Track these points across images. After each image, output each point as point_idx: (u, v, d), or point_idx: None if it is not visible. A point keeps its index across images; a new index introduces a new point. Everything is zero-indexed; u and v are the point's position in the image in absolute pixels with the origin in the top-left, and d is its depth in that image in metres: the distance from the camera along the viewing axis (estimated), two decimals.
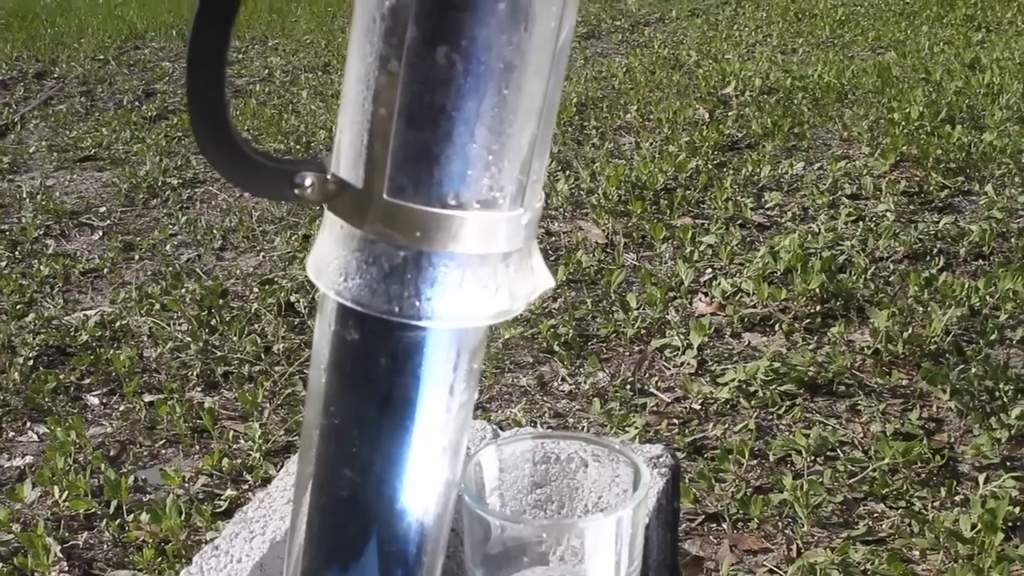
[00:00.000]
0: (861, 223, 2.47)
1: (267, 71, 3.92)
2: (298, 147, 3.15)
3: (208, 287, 2.31)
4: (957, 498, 1.54)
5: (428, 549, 0.75)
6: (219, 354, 2.05)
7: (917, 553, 1.44)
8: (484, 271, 0.65)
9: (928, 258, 2.29)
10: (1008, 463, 1.61)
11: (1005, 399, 1.77)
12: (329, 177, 0.63)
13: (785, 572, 1.42)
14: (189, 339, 2.11)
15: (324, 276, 0.66)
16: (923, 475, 1.61)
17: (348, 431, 0.72)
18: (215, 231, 2.63)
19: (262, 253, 2.51)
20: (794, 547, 1.48)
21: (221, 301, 2.26)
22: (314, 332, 0.70)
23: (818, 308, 2.09)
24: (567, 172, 2.89)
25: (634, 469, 0.74)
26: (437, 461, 0.73)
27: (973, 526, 1.45)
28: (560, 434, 0.80)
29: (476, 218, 0.63)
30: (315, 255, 0.67)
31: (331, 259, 0.65)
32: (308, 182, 0.62)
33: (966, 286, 2.10)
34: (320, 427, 0.72)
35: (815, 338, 2.00)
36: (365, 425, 0.71)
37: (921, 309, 2.03)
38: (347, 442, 0.72)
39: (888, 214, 2.51)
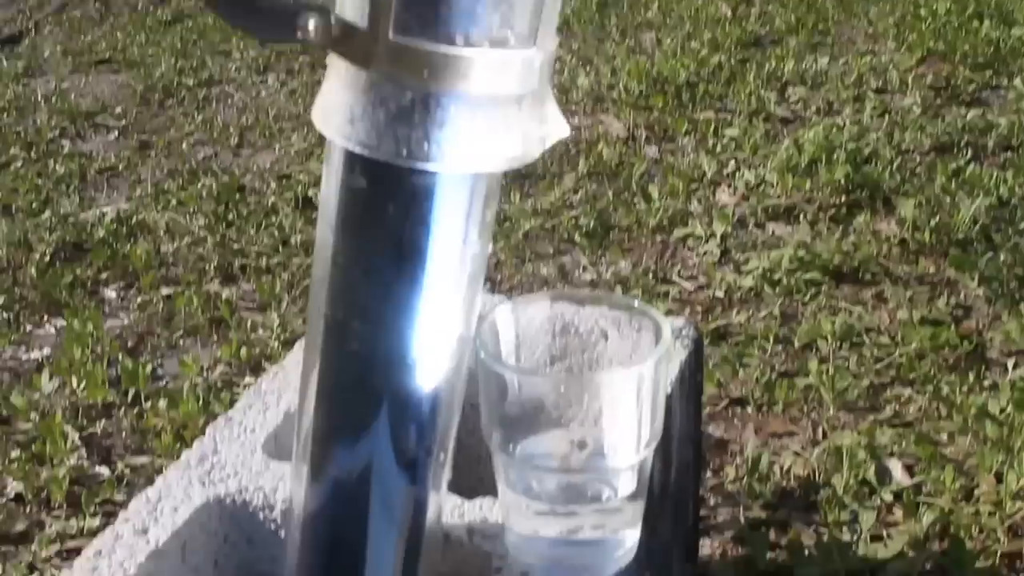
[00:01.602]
0: (887, 116, 2.42)
1: None
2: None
3: (225, 183, 2.28)
4: (985, 383, 1.52)
5: (442, 408, 0.72)
6: (236, 247, 2.03)
7: (945, 436, 1.42)
8: (495, 113, 0.62)
9: (955, 150, 2.24)
10: None
11: None
12: (333, 19, 0.60)
13: (810, 454, 1.40)
14: (206, 233, 2.09)
15: (330, 122, 0.63)
16: (951, 361, 1.58)
17: (357, 282, 0.69)
18: (231, 129, 2.60)
19: (279, 149, 2.48)
20: (820, 430, 1.46)
21: (238, 196, 2.23)
22: (321, 185, 0.68)
23: (843, 199, 2.05)
24: (587, 68, 2.83)
25: (655, 328, 0.71)
26: (450, 313, 0.70)
27: (1002, 409, 1.43)
28: (579, 295, 0.77)
29: (486, 57, 0.59)
30: (321, 102, 0.64)
31: (337, 104, 0.62)
32: (311, 24, 0.59)
33: (995, 176, 2.06)
34: (329, 280, 0.69)
35: (840, 228, 1.96)
36: (375, 275, 0.68)
37: (949, 199, 1.99)
38: (356, 294, 0.69)
39: (915, 107, 2.46)
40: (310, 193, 2.19)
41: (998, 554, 1.22)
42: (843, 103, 2.52)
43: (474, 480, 0.96)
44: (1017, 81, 2.58)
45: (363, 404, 0.72)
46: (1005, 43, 2.78)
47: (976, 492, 1.32)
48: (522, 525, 0.75)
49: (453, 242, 0.66)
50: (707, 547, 1.28)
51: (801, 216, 2.01)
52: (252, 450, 0.90)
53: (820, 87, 2.64)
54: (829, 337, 1.63)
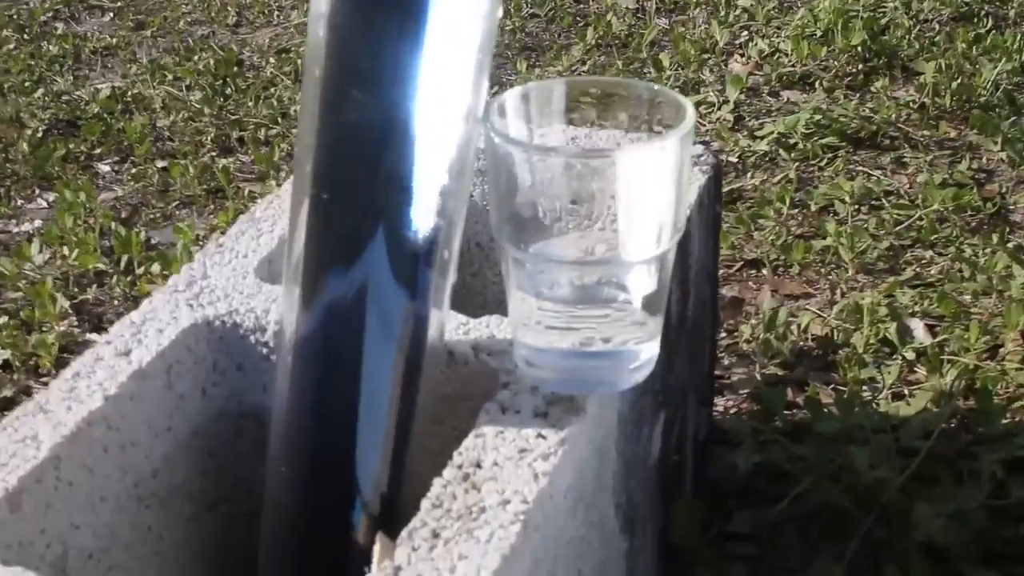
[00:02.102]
0: None
1: None
2: None
3: (222, 58, 2.21)
4: (1010, 245, 1.45)
5: (447, 201, 0.67)
6: (234, 118, 1.97)
7: (968, 297, 1.37)
8: None
9: (975, 20, 2.16)
10: None
11: None
12: None
13: (828, 314, 1.35)
14: (203, 106, 2.02)
15: None
16: (973, 224, 1.53)
17: (355, 46, 0.63)
18: (229, 7, 2.52)
19: (278, 27, 2.41)
20: (838, 292, 1.41)
21: (236, 70, 2.16)
22: None
23: (860, 66, 1.98)
24: None
25: (677, 106, 0.65)
26: (457, 81, 0.64)
27: None
28: (596, 79, 0.71)
29: None
30: None
31: None
32: None
33: (1018, 41, 1.98)
34: (325, 52, 0.64)
35: (858, 95, 1.89)
36: (374, 43, 0.63)
37: (969, 65, 1.92)
38: (354, 57, 0.63)
39: None
40: None
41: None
42: None
43: (477, 307, 0.91)
44: None
45: (359, 194, 0.66)
46: None
47: (1001, 351, 1.27)
48: (533, 337, 0.69)
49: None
50: (721, 405, 1.23)
51: (817, 84, 1.94)
52: (244, 274, 0.85)
53: None
54: (847, 199, 1.57)
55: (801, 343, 1.31)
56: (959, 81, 1.84)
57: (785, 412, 1.18)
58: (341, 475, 0.72)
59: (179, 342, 0.78)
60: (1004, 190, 1.60)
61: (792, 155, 1.71)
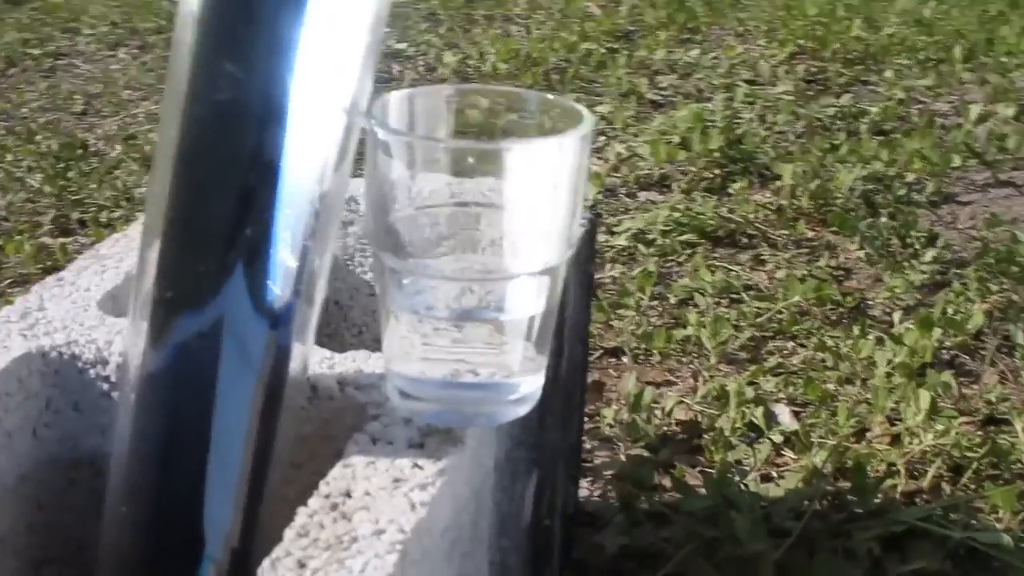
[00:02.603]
0: (758, 103, 2.38)
1: None
2: (171, 26, 2.96)
3: (66, 142, 2.12)
4: (870, 338, 1.44)
5: (322, 200, 0.61)
6: (75, 199, 1.88)
7: (832, 385, 1.35)
8: None
9: (829, 133, 2.20)
10: (922, 308, 1.52)
11: (918, 246, 1.68)
12: None
13: (692, 399, 1.31)
14: (43, 185, 1.92)
15: None
16: (833, 317, 1.52)
17: (231, 16, 0.58)
18: (77, 96, 2.43)
19: (126, 116, 2.33)
20: (700, 379, 1.37)
21: (80, 153, 2.08)
22: None
23: (718, 170, 1.99)
24: (453, 50, 2.75)
25: (573, 113, 0.61)
26: (343, 62, 0.59)
27: (889, 361, 1.36)
28: (484, 87, 0.66)
29: None
30: None
31: None
32: None
33: (872, 149, 2.02)
34: (196, 24, 0.58)
35: (716, 197, 1.89)
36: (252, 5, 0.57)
37: (825, 170, 1.94)
38: (230, 28, 0.58)
39: (786, 96, 2.42)
40: None
41: (898, 489, 1.14)
42: (714, 90, 2.47)
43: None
44: (888, 73, 2.57)
45: (222, 194, 0.60)
46: (874, 42, 2.78)
47: (869, 434, 1.24)
48: (408, 366, 0.64)
49: None
50: (585, 488, 1.18)
51: (675, 186, 1.94)
52: (85, 307, 0.77)
53: (690, 76, 2.60)
54: (707, 292, 1.55)
55: (665, 427, 1.27)
56: (816, 183, 1.85)
57: (652, 494, 1.14)
58: (188, 526, 0.65)
59: (10, 372, 0.70)
60: (863, 287, 1.60)
61: (651, 249, 1.69)
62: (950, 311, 1.47)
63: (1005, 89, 2.44)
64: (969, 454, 1.18)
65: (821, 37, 2.79)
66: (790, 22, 2.95)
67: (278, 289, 0.62)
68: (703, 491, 1.11)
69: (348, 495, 0.59)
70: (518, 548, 0.81)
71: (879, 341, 1.41)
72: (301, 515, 0.58)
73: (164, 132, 0.61)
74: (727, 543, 1.01)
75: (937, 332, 1.40)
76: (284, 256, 0.61)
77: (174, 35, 0.60)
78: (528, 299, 0.62)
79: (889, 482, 1.14)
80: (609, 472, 1.19)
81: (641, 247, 1.70)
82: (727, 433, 1.23)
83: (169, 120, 0.61)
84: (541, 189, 0.60)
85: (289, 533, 0.56)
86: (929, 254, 1.64)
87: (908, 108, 2.35)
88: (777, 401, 1.31)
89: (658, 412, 1.28)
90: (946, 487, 1.16)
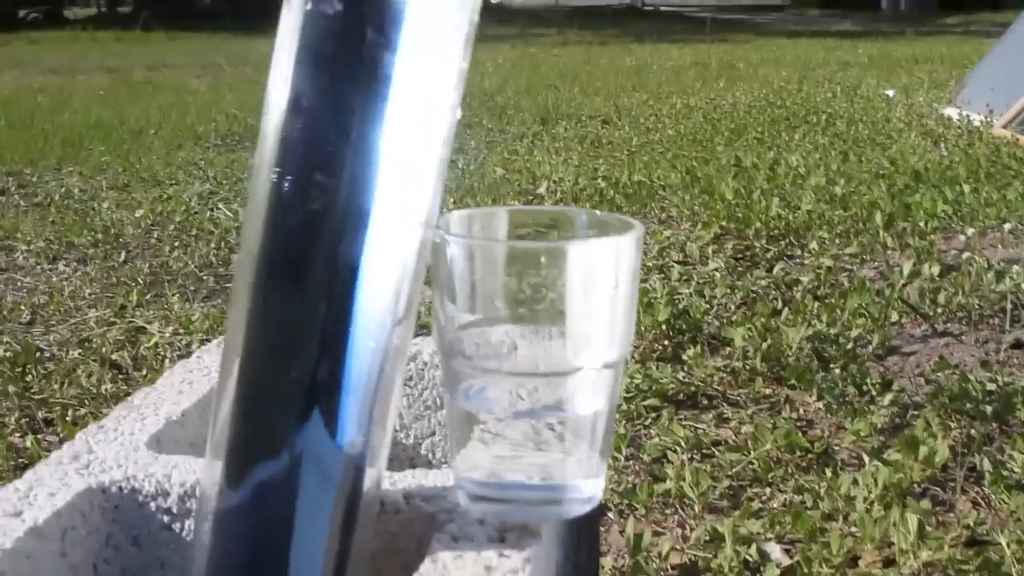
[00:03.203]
0: (693, 281, 2.46)
1: (64, 189, 3.75)
2: (107, 239, 2.99)
3: (20, 350, 2.11)
4: (845, 476, 1.48)
5: (401, 315, 0.64)
6: (39, 398, 1.87)
7: (817, 522, 1.37)
8: None
9: (767, 300, 2.28)
10: (884, 451, 1.57)
11: (874, 392, 1.74)
12: None
13: (683, 548, 1.33)
14: (9, 386, 1.91)
15: None
16: (803, 464, 1.55)
17: (322, 123, 0.61)
18: (23, 307, 2.43)
19: (78, 324, 2.33)
20: (688, 527, 1.39)
21: (37, 356, 2.07)
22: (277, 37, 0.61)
23: (668, 341, 2.04)
24: None
25: (625, 225, 0.65)
26: (420, 168, 0.62)
27: (866, 497, 1.40)
28: (537, 209, 0.70)
29: None
30: None
31: None
32: None
33: (812, 311, 2.09)
34: (284, 124, 0.61)
35: (670, 365, 1.94)
36: (343, 114, 0.61)
37: (770, 335, 2.00)
38: (321, 138, 0.61)
39: (718, 272, 2.51)
40: (115, 357, 2.05)
41: None
42: (648, 272, 2.54)
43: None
44: (813, 244, 2.67)
45: (302, 309, 0.62)
46: (794, 219, 2.89)
47: (861, 563, 1.27)
48: (477, 470, 0.66)
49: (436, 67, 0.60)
50: None
51: (630, 358, 1.98)
52: (135, 448, 0.78)
53: None
54: (681, 444, 1.58)
55: (663, 573, 1.28)
56: (767, 344, 1.91)
57: None
58: None
59: (74, 506, 0.71)
60: (827, 434, 1.64)
61: (617, 416, 1.72)
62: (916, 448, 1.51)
63: (927, 250, 2.55)
64: (964, 567, 1.21)
65: (743, 218, 2.89)
66: (711, 207, 3.06)
67: (354, 413, 0.64)
68: None
69: None
70: None
71: (854, 481, 1.45)
72: None
73: (243, 259, 0.64)
74: None
75: (909, 466, 1.44)
76: (364, 378, 0.63)
77: (256, 158, 0.63)
78: (590, 395, 0.66)
79: None
80: None
81: None
82: (726, 571, 1.25)
83: (248, 246, 0.63)
84: (601, 285, 0.63)
85: None
86: (887, 398, 1.70)
87: (836, 276, 2.44)
88: (767, 540, 1.34)
89: (655, 558, 1.30)
90: None
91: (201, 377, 0.93)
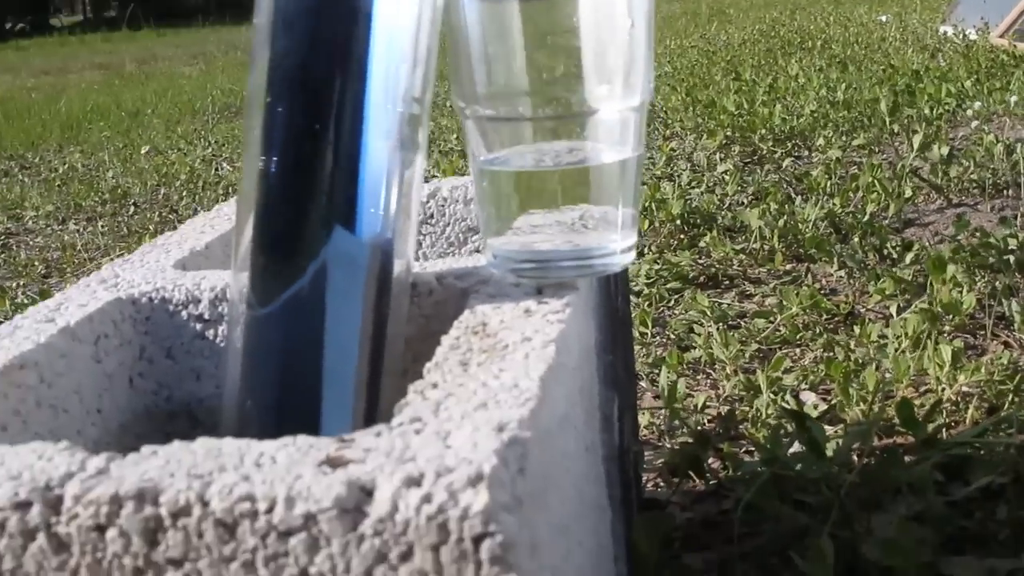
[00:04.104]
0: (704, 182, 2.45)
1: (67, 165, 3.74)
2: (115, 198, 2.99)
3: (38, 297, 2.11)
4: (876, 324, 1.47)
5: (423, 52, 0.63)
6: None
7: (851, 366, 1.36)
8: None
9: (778, 193, 2.26)
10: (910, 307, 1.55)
11: (895, 255, 1.73)
12: None
13: (718, 400, 1.33)
14: None
15: None
16: (831, 325, 1.54)
17: None
18: (37, 264, 2.43)
19: (91, 272, 2.32)
20: (721, 388, 1.39)
21: None
22: None
23: (684, 233, 2.03)
24: None
25: None
26: None
27: (897, 335, 1.39)
28: None
29: None
30: None
31: None
32: None
33: (822, 200, 2.08)
34: None
35: (688, 251, 1.93)
36: None
37: (784, 217, 1.99)
38: None
39: (728, 174, 2.49)
40: None
41: (943, 421, 1.16)
42: (658, 179, 2.53)
43: None
44: (820, 141, 2.66)
45: (317, 87, 0.62)
46: (798, 123, 2.87)
47: (897, 397, 1.26)
48: (508, 238, 0.66)
49: None
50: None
51: (647, 251, 1.98)
52: (162, 269, 0.78)
53: None
54: (704, 321, 1.57)
55: (699, 425, 1.27)
56: (783, 221, 1.90)
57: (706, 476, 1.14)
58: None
59: (105, 313, 0.70)
60: (852, 299, 1.63)
61: (639, 299, 1.72)
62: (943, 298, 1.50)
63: (935, 134, 2.53)
64: (1002, 388, 1.20)
65: (747, 125, 2.88)
66: (714, 117, 3.05)
67: (378, 195, 0.63)
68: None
69: (484, 324, 0.60)
70: (614, 461, 0.81)
71: (883, 333, 1.44)
72: (446, 339, 0.58)
73: (256, 39, 0.63)
74: (791, 482, 1.01)
75: (937, 312, 1.43)
76: (379, 159, 0.63)
77: None
78: (615, 143, 0.65)
79: (932, 425, 1.15)
80: (659, 461, 1.18)
81: (631, 297, 1.72)
82: (763, 416, 1.24)
83: (260, 24, 0.63)
84: (617, 23, 0.62)
85: (441, 349, 0.57)
86: (908, 257, 1.69)
87: (846, 168, 2.43)
88: (802, 391, 1.33)
89: (690, 411, 1.29)
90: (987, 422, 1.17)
91: (223, 222, 0.92)
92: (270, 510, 0.42)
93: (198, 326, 0.73)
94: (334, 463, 0.44)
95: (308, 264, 0.62)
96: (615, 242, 0.66)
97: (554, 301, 0.62)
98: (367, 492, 0.42)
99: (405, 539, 0.41)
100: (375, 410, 0.66)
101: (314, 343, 0.63)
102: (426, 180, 0.97)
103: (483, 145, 0.64)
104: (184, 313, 0.72)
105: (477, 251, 0.93)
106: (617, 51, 0.62)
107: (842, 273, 1.73)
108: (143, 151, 3.63)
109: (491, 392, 0.49)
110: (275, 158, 0.62)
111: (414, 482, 0.42)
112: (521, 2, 0.61)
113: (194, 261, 0.81)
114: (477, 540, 0.41)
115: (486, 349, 0.55)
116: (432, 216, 0.97)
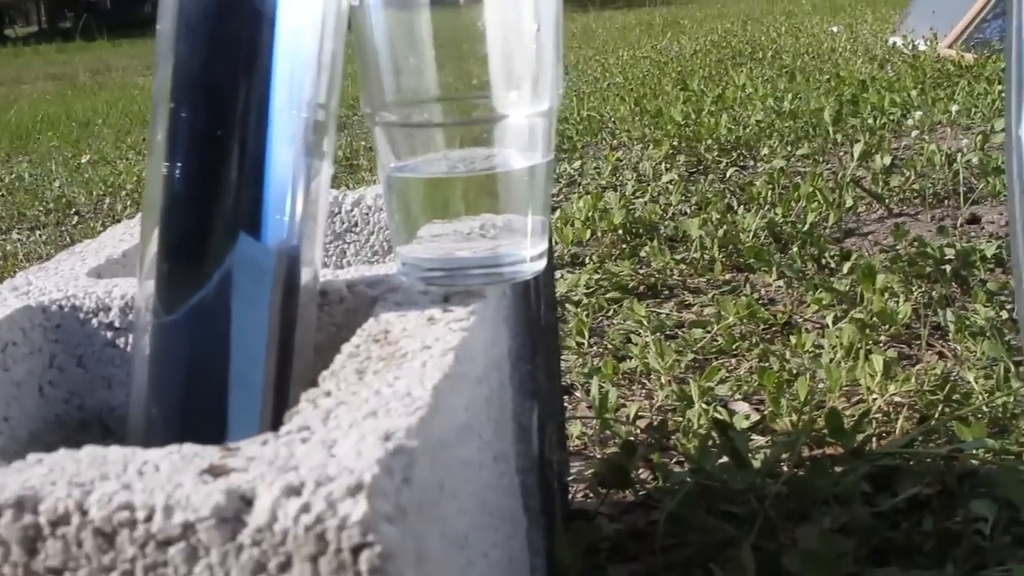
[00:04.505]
0: (649, 191, 2.45)
1: (14, 175, 3.71)
2: (59, 207, 2.96)
3: None
4: (810, 334, 1.48)
5: (327, 58, 0.63)
6: None
7: (784, 376, 1.37)
8: None
9: (721, 202, 2.27)
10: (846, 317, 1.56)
11: (833, 265, 1.74)
12: None
13: (651, 410, 1.33)
14: None
15: None
16: (768, 336, 1.55)
17: None
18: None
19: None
20: (655, 398, 1.39)
21: None
22: None
23: (626, 242, 2.04)
24: None
25: None
26: None
27: (833, 346, 1.40)
28: None
29: None
30: None
31: None
32: None
33: (764, 209, 2.09)
34: None
35: (628, 261, 1.93)
36: None
37: (724, 227, 1.99)
38: None
39: (672, 184, 2.50)
40: None
41: (873, 432, 1.16)
42: (603, 189, 2.53)
43: None
44: (764, 151, 2.67)
45: (222, 92, 0.61)
46: (744, 133, 2.89)
47: (829, 405, 1.26)
48: (417, 246, 0.65)
49: None
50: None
51: (587, 260, 1.98)
52: (75, 277, 0.77)
53: (577, 183, 2.66)
54: (644, 323, 1.57)
55: (631, 435, 1.27)
56: (723, 231, 1.91)
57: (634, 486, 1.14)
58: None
59: (13, 320, 0.69)
60: (789, 308, 1.63)
61: (578, 308, 1.72)
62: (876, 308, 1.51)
63: (878, 144, 2.55)
64: (932, 398, 1.21)
65: (693, 135, 2.89)
66: (661, 127, 3.06)
67: (284, 201, 0.63)
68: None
69: (387, 332, 0.59)
70: (531, 471, 0.81)
71: (818, 342, 1.45)
72: (346, 347, 0.58)
73: (160, 44, 0.63)
74: (718, 493, 1.02)
75: (872, 323, 1.44)
76: (284, 165, 0.62)
77: None
78: (524, 149, 0.65)
79: (861, 435, 1.15)
80: (589, 472, 1.18)
81: (569, 306, 1.72)
82: (695, 426, 1.24)
83: (163, 29, 0.62)
84: (523, 27, 0.62)
85: (340, 357, 0.56)
86: (846, 267, 1.70)
87: (789, 177, 2.44)
88: (734, 401, 1.33)
89: (622, 420, 1.29)
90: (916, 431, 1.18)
91: None
92: (149, 519, 0.42)
93: (109, 334, 0.72)
94: (216, 472, 0.43)
95: (213, 270, 0.61)
96: (525, 249, 0.66)
97: (459, 309, 0.61)
98: (247, 501, 0.42)
99: (284, 549, 0.41)
100: (282, 418, 0.65)
101: (220, 350, 0.63)
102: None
103: (392, 152, 0.64)
104: (95, 321, 0.72)
105: None
106: (524, 56, 0.62)
107: (781, 283, 1.73)
108: (84, 159, 3.59)
109: (383, 400, 0.49)
110: (179, 164, 0.61)
111: (294, 491, 0.42)
112: (427, 8, 0.61)
113: (110, 269, 0.81)
114: (356, 550, 0.41)
115: (384, 357, 0.55)
116: (356, 224, 0.96)
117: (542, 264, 0.67)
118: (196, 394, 0.64)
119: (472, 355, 0.58)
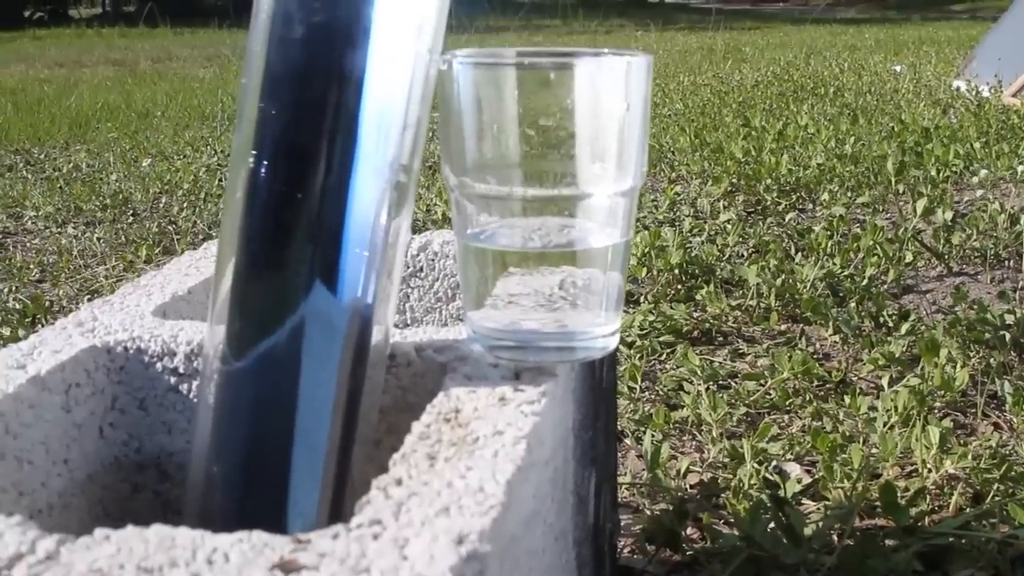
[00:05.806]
0: (706, 230, 2.44)
1: (72, 164, 3.74)
2: (115, 204, 2.98)
3: (30, 305, 2.09)
4: (865, 398, 1.46)
5: (412, 122, 0.63)
6: None
7: (837, 438, 1.35)
8: None
9: (779, 245, 2.25)
10: (902, 380, 1.54)
11: (891, 324, 1.72)
12: None
13: (702, 466, 1.31)
14: (19, 330, 1.90)
15: None
16: (822, 393, 1.53)
17: None
18: (32, 267, 2.41)
19: (87, 278, 2.31)
20: (706, 452, 1.37)
21: (47, 306, 2.05)
22: None
23: (682, 283, 2.02)
24: None
25: (633, 52, 0.64)
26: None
27: (887, 409, 1.38)
28: (545, 49, 0.68)
29: None
30: None
31: None
32: None
33: (822, 259, 2.07)
34: None
35: (684, 304, 1.91)
36: None
37: (783, 275, 1.98)
38: None
39: (730, 224, 2.48)
40: None
41: (925, 515, 1.14)
42: (660, 224, 2.52)
43: None
44: (824, 196, 2.65)
45: (303, 143, 0.61)
46: (805, 175, 2.87)
47: (883, 477, 1.25)
48: (490, 316, 0.65)
49: None
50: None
51: (642, 300, 1.96)
52: (140, 316, 0.77)
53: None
54: (697, 372, 1.56)
55: (681, 491, 1.26)
56: (781, 280, 1.89)
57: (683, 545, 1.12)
58: (273, 506, 0.63)
59: (78, 361, 0.69)
60: (844, 366, 1.61)
61: (632, 350, 1.70)
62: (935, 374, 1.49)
63: (940, 197, 2.52)
64: (988, 476, 1.19)
65: (753, 174, 2.87)
66: (721, 163, 3.05)
67: (360, 260, 0.62)
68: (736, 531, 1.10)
69: (458, 412, 0.58)
70: (586, 541, 0.80)
71: (873, 406, 1.43)
72: (417, 427, 0.57)
73: (246, 83, 0.62)
74: (768, 563, 1.00)
75: (928, 390, 1.42)
76: (364, 225, 0.62)
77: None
78: (604, 227, 0.64)
79: (915, 510, 1.14)
80: (638, 527, 1.17)
81: (623, 348, 1.71)
82: (746, 486, 1.22)
83: (249, 84, 0.62)
84: (613, 107, 0.61)
85: (410, 438, 0.56)
86: (904, 327, 1.68)
87: (849, 225, 2.42)
88: (786, 461, 1.31)
89: (673, 473, 1.28)
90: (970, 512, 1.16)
91: (208, 263, 0.91)
92: None
93: (172, 379, 0.71)
94: (287, 568, 0.43)
95: (286, 328, 0.61)
96: (599, 326, 0.65)
97: (530, 389, 0.61)
98: None
99: None
100: (345, 478, 0.64)
101: (286, 405, 0.62)
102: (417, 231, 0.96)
103: (469, 217, 0.63)
104: (159, 365, 0.71)
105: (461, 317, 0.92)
106: (612, 135, 0.61)
107: (836, 338, 1.71)
108: (145, 163, 3.60)
109: (455, 495, 0.48)
110: (257, 221, 0.61)
111: None
112: (516, 71, 0.60)
113: (175, 307, 0.80)
114: None
115: (455, 442, 0.54)
116: (421, 270, 0.96)
117: (614, 342, 0.66)
118: (259, 450, 0.63)
119: (542, 440, 0.58)
